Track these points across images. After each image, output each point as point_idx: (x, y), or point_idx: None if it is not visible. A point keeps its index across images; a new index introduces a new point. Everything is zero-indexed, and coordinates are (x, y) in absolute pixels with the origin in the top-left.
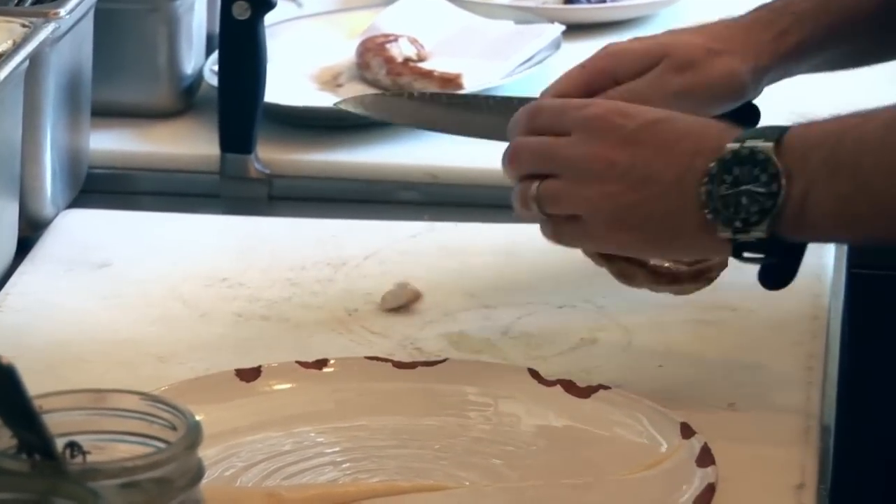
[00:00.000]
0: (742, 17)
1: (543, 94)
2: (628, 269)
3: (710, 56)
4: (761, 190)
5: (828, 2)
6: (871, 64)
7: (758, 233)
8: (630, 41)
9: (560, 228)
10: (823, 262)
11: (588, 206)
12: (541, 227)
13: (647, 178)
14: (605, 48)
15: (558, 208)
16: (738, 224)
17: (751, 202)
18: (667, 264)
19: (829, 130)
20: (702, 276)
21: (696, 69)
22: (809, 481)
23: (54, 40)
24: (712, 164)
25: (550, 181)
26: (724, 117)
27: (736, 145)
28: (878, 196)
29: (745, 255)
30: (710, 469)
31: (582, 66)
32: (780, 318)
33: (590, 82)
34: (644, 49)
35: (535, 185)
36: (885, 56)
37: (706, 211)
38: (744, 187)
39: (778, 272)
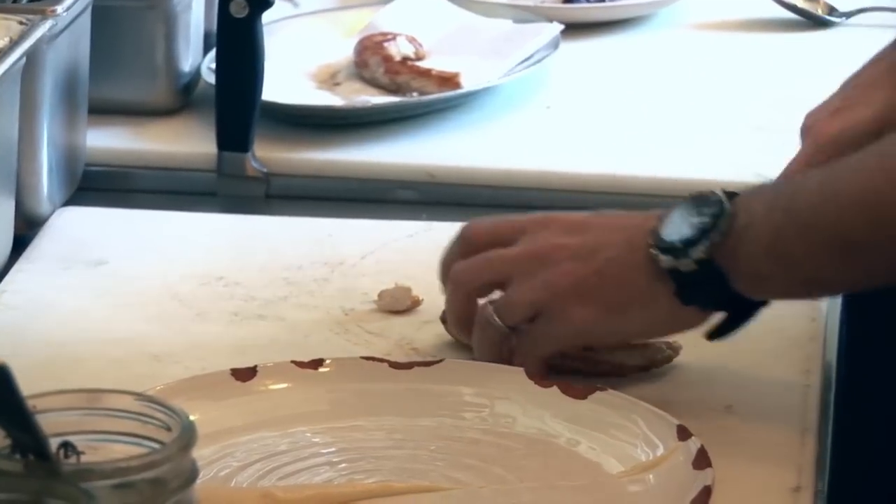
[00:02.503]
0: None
1: None
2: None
3: None
4: (705, 219)
5: None
6: None
7: (697, 253)
8: (833, 115)
9: (523, 340)
10: None
11: (543, 291)
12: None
13: (597, 250)
14: (814, 131)
15: (517, 309)
16: (678, 245)
17: (692, 229)
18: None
19: (776, 183)
20: (647, 369)
21: None
22: (806, 484)
23: (51, 37)
24: (661, 216)
25: (502, 293)
26: None
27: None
28: (807, 229)
29: (689, 298)
30: (706, 471)
31: (804, 160)
32: (778, 320)
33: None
34: (864, 125)
35: (487, 303)
36: None
37: (651, 250)
38: (690, 220)
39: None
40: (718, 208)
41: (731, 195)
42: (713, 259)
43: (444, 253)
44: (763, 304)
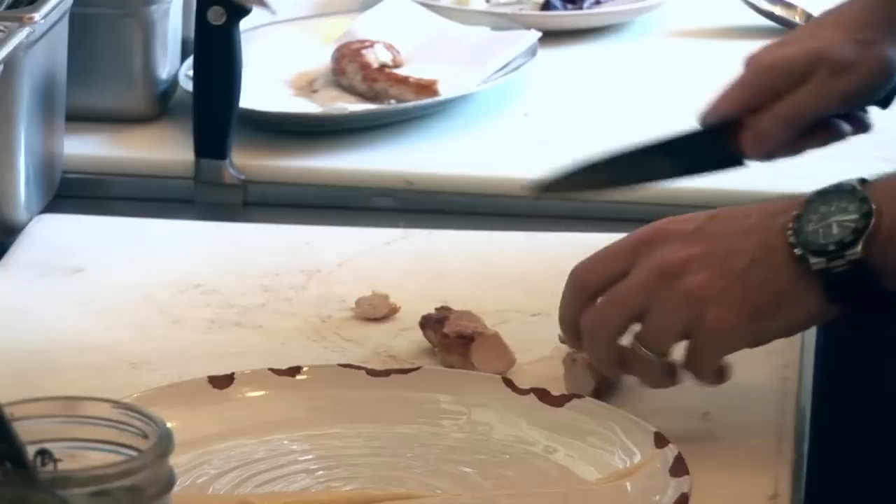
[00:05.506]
0: None
1: (701, 116)
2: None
3: (863, 50)
4: (852, 216)
5: None
6: None
7: (852, 255)
8: (777, 47)
9: (689, 363)
10: None
11: (686, 308)
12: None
13: (730, 256)
14: (754, 60)
15: (665, 335)
16: (831, 248)
17: (842, 229)
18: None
19: None
20: None
21: (854, 68)
22: (783, 492)
23: (29, 45)
24: (795, 212)
25: (642, 324)
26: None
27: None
28: None
29: (839, 297)
30: (683, 479)
31: (740, 85)
32: None
33: (751, 99)
34: (800, 58)
35: (632, 340)
36: None
37: (796, 250)
38: (833, 219)
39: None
40: (866, 206)
41: (864, 184)
42: (867, 259)
43: (562, 309)
44: None
